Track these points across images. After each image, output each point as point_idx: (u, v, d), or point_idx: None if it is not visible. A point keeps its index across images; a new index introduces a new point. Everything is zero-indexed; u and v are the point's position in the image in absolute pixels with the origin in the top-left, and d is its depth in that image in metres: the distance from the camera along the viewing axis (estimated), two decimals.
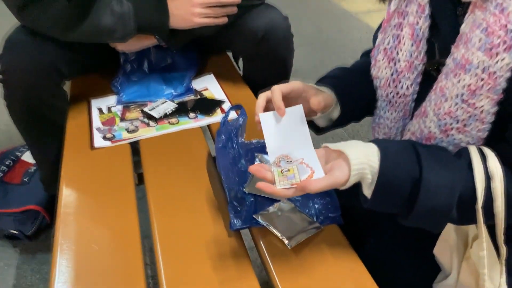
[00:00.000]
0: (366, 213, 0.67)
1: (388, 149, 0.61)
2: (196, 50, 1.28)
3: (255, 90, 1.17)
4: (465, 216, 0.62)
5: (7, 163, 1.49)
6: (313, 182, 0.60)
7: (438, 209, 0.59)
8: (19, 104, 1.08)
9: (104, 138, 1.01)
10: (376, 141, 0.63)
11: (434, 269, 0.76)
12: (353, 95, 0.80)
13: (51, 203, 1.37)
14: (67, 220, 0.81)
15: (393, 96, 0.75)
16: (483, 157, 0.60)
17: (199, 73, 1.24)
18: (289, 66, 1.25)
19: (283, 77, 1.28)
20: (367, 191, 0.61)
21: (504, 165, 0.60)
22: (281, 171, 0.64)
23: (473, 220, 0.61)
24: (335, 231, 0.75)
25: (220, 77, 1.23)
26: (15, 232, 1.33)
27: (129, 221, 0.80)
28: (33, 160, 1.50)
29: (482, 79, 0.58)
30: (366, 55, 0.90)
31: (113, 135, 1.02)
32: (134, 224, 0.79)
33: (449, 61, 0.63)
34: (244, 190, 0.81)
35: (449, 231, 0.68)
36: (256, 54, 1.16)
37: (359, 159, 0.60)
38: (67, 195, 0.87)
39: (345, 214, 0.77)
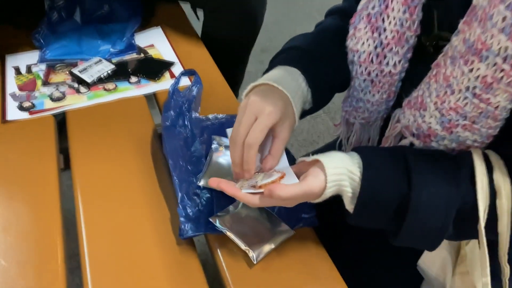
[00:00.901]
0: (344, 211, 0.55)
1: (373, 159, 0.52)
2: None
3: (215, 51, 0.98)
4: (464, 234, 0.53)
5: None
6: (282, 186, 0.50)
7: (429, 230, 0.50)
8: None
9: (21, 107, 0.80)
10: (358, 149, 0.53)
11: (416, 273, 0.66)
12: (327, 74, 0.64)
13: None
14: None
15: (377, 75, 0.61)
16: (488, 167, 0.49)
17: (143, 25, 1.02)
18: (260, 22, 1.08)
19: (251, 35, 1.10)
20: (349, 206, 0.52)
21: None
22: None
23: (473, 236, 0.52)
24: (309, 235, 0.62)
25: (170, 32, 1.02)
26: None
27: (50, 223, 0.63)
28: None
29: (503, 70, 0.45)
30: (331, 15, 0.73)
31: (33, 104, 0.81)
32: (57, 228, 0.62)
33: (457, 41, 0.49)
34: (198, 183, 0.64)
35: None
36: (222, 5, 0.99)
37: (337, 169, 0.51)
38: None
39: (319, 214, 0.64)
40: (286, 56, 0.64)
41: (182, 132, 0.71)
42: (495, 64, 0.45)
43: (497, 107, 0.48)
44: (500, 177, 0.49)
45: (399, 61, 0.59)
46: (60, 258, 0.58)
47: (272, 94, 0.56)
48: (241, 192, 0.52)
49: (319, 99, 0.64)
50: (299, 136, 1.73)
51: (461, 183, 0.50)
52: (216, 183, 0.54)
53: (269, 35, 2.02)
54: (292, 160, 0.60)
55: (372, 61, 0.61)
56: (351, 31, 0.62)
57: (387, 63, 0.60)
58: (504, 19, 0.43)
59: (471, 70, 0.47)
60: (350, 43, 0.63)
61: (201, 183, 0.64)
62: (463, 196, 0.50)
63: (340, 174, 0.50)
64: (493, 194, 0.49)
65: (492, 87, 0.46)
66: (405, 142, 0.60)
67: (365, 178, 0.50)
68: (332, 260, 0.59)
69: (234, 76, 1.19)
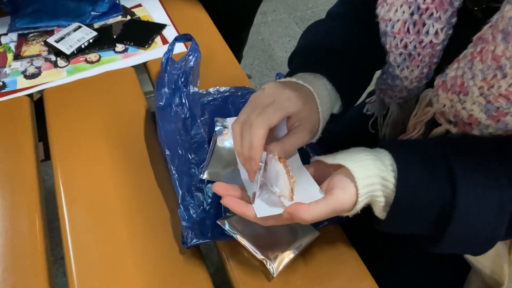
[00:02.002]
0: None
1: (408, 160, 0.43)
2: None
3: (214, 12, 0.84)
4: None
5: None
6: (305, 207, 0.41)
7: (478, 236, 0.43)
8: None
9: None
10: (389, 147, 0.45)
11: (455, 275, 0.59)
12: (358, 72, 0.55)
13: None
14: None
15: (415, 47, 0.50)
16: None
17: None
18: None
19: None
20: (381, 214, 0.45)
21: None
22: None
23: None
24: (336, 235, 0.52)
25: None
26: None
27: (29, 223, 0.53)
28: None
29: None
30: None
31: (3, 83, 0.69)
32: (37, 230, 0.52)
33: (510, 11, 0.37)
34: (200, 176, 0.54)
35: None
36: None
37: (370, 179, 0.42)
38: None
39: None
40: (312, 58, 0.55)
41: (179, 112, 0.60)
42: None
43: None
44: None
45: (442, 29, 0.47)
46: (42, 261, 0.49)
47: (294, 87, 0.47)
48: (254, 215, 0.42)
49: (350, 101, 0.56)
50: None
51: (509, 180, 0.41)
52: (224, 192, 0.43)
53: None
54: (304, 157, 0.49)
55: (408, 30, 0.49)
56: None
57: (427, 32, 0.48)
58: None
59: None
60: (381, 10, 0.51)
61: (205, 176, 0.54)
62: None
63: (373, 184, 0.42)
64: None
65: None
66: (439, 130, 0.49)
67: (401, 185, 0.42)
68: (364, 263, 0.50)
69: (237, 39, 1.05)
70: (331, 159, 0.45)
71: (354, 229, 0.53)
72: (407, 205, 0.43)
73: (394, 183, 0.42)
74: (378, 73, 0.60)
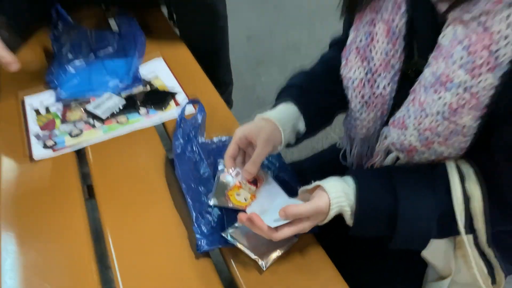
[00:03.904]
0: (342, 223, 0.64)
1: (364, 181, 0.62)
2: (139, 27, 1.15)
3: (194, 48, 1.14)
4: (448, 233, 0.64)
5: None
6: (295, 206, 0.60)
7: (417, 234, 0.61)
8: None
9: (45, 146, 0.89)
10: (352, 173, 0.63)
11: (416, 269, 0.74)
12: (318, 103, 0.75)
13: None
14: (9, 253, 0.71)
15: (370, 97, 0.69)
16: (461, 177, 0.59)
17: (145, 54, 1.12)
18: (221, 13, 1.23)
19: (218, 26, 1.26)
20: (350, 221, 0.62)
21: (485, 178, 0.58)
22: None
23: (457, 233, 0.61)
24: (310, 241, 0.70)
25: (169, 60, 1.11)
26: None
27: (82, 244, 0.72)
28: None
29: (464, 98, 0.53)
30: (332, 46, 0.83)
31: (55, 142, 0.90)
32: (88, 247, 0.71)
33: (428, 73, 0.57)
34: (209, 202, 0.73)
35: None
36: (187, 2, 1.16)
37: (337, 193, 0.60)
38: (6, 221, 0.76)
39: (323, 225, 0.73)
40: (285, 93, 0.77)
41: (191, 157, 0.80)
42: (457, 94, 0.53)
43: (464, 126, 0.56)
44: (471, 184, 0.58)
45: (388, 84, 0.67)
46: (94, 272, 0.67)
47: (258, 120, 0.70)
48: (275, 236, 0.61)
49: (313, 122, 0.75)
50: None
51: (439, 193, 0.59)
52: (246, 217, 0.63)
53: (264, 48, 2.11)
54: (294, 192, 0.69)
55: (364, 85, 0.68)
56: (343, 62, 0.70)
57: (378, 86, 0.67)
58: (461, 58, 0.51)
59: (439, 98, 0.55)
60: (344, 71, 0.71)
61: (212, 202, 0.73)
62: (441, 204, 0.59)
63: (339, 197, 0.60)
64: (467, 199, 0.58)
65: (457, 112, 0.55)
66: (392, 156, 0.68)
67: (359, 198, 0.60)
68: (337, 262, 0.68)
69: (218, 77, 1.32)
70: (311, 185, 0.64)
71: (322, 237, 0.72)
72: (365, 213, 0.61)
73: (354, 198, 0.60)
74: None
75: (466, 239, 0.64)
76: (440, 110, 0.56)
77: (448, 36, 0.53)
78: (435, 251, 0.71)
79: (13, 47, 0.99)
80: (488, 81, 0.50)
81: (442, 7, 0.54)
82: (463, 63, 0.51)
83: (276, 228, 0.61)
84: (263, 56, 2.06)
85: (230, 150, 0.70)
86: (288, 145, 0.74)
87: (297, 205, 0.60)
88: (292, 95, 0.74)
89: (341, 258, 0.69)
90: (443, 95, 0.55)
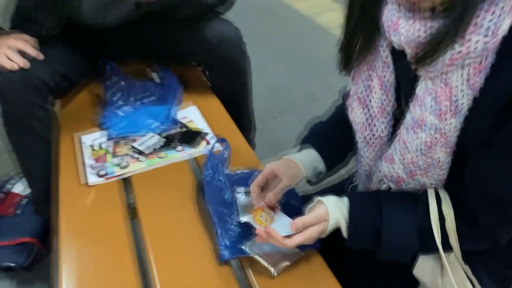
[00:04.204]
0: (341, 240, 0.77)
1: (357, 202, 0.75)
2: (176, 81, 1.37)
3: (222, 98, 1.34)
4: (429, 249, 0.74)
5: None
6: (300, 218, 0.75)
7: (399, 247, 0.72)
8: (10, 115, 1.18)
9: (98, 175, 1.08)
10: (348, 194, 0.77)
11: (413, 285, 0.85)
12: (334, 147, 0.92)
13: (44, 232, 1.44)
14: (68, 258, 0.88)
15: (370, 138, 0.83)
16: (438, 201, 0.71)
17: (181, 102, 1.33)
18: (245, 71, 1.41)
19: (242, 82, 1.44)
20: (345, 234, 0.75)
21: (458, 204, 0.70)
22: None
23: (437, 250, 0.72)
24: (314, 256, 0.84)
25: (201, 106, 1.31)
26: (12, 264, 1.38)
27: (126, 261, 0.87)
28: (24, 192, 1.56)
29: (436, 138, 0.67)
30: (341, 106, 1.00)
31: (106, 172, 1.09)
32: (131, 258, 0.87)
33: (408, 117, 0.72)
34: (240, 219, 0.88)
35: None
36: (213, 60, 1.35)
37: (334, 210, 0.74)
38: (66, 234, 0.94)
39: (325, 242, 0.86)
40: (308, 140, 0.94)
41: (218, 185, 0.97)
42: (430, 134, 0.67)
43: (439, 161, 0.70)
44: (445, 207, 0.71)
45: (385, 127, 0.80)
46: (134, 274, 0.83)
47: (285, 160, 0.87)
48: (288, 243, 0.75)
49: (331, 163, 0.93)
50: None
51: (419, 213, 0.72)
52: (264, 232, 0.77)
53: (284, 98, 2.32)
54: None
55: (365, 128, 0.82)
56: (349, 108, 0.85)
57: (376, 129, 0.81)
58: (431, 106, 0.66)
59: (417, 137, 0.70)
60: (350, 116, 0.85)
61: (243, 219, 0.86)
62: (421, 222, 0.71)
63: (336, 213, 0.74)
64: (442, 219, 0.71)
65: (432, 148, 0.68)
66: (385, 186, 0.83)
67: (351, 216, 0.74)
68: (337, 274, 0.81)
69: (242, 123, 1.49)
70: (314, 202, 0.78)
71: (324, 252, 0.85)
72: (356, 227, 0.73)
73: (348, 215, 0.74)
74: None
75: (444, 255, 0.75)
76: (418, 147, 0.70)
77: (422, 88, 0.68)
78: (424, 269, 0.82)
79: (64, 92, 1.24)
80: (453, 124, 0.64)
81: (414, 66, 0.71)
82: (433, 110, 0.65)
83: (289, 237, 0.75)
84: (284, 104, 2.26)
85: (259, 180, 0.86)
86: (309, 181, 0.91)
87: (302, 217, 0.74)
88: (313, 142, 0.92)
89: (340, 270, 0.82)
90: (420, 135, 0.69)
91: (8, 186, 1.58)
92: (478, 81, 0.58)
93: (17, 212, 1.49)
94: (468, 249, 0.74)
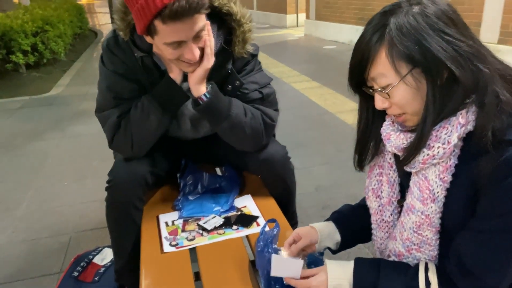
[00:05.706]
0: None
1: (361, 267, 0.94)
2: (237, 176, 1.68)
3: (271, 193, 1.60)
4: None
5: (82, 264, 1.84)
6: (308, 270, 0.98)
7: None
8: (115, 203, 1.48)
9: (171, 245, 1.36)
10: (356, 260, 0.97)
11: None
12: (352, 225, 1.15)
13: None
14: None
15: (380, 222, 1.06)
16: (427, 269, 0.89)
17: (240, 192, 1.62)
18: (290, 182, 1.66)
19: (287, 191, 1.69)
20: None
21: (442, 272, 0.88)
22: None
23: None
24: None
25: (255, 197, 1.60)
26: None
27: None
28: (102, 262, 1.85)
29: (422, 219, 0.89)
30: None
31: (177, 243, 1.36)
32: None
33: (405, 204, 0.95)
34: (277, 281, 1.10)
35: None
36: (263, 172, 1.64)
37: (337, 273, 0.94)
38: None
39: None
40: (332, 216, 1.18)
41: (267, 255, 1.21)
42: (418, 216, 0.89)
43: (428, 238, 0.90)
44: (431, 275, 0.89)
45: (391, 214, 1.04)
46: None
47: (309, 226, 1.11)
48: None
49: (347, 236, 1.14)
50: None
51: (409, 276, 0.89)
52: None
53: (329, 195, 2.56)
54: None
55: (377, 213, 1.06)
56: (366, 196, 1.11)
57: (386, 215, 1.05)
58: (417, 194, 0.89)
59: (410, 219, 0.92)
60: (367, 202, 1.10)
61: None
62: (410, 284, 0.88)
63: (339, 278, 0.94)
64: (428, 283, 0.88)
65: (421, 228, 0.90)
66: (390, 259, 1.03)
67: (355, 277, 0.93)
68: None
69: (287, 219, 1.71)
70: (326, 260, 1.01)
71: None
72: (359, 284, 0.92)
73: (351, 276, 0.94)
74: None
75: None
76: (411, 226, 0.92)
77: (412, 181, 0.92)
78: None
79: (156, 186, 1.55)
80: (433, 208, 0.86)
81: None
82: (418, 197, 0.89)
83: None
84: (328, 201, 2.50)
85: (289, 239, 1.11)
86: (330, 249, 1.13)
87: (311, 270, 0.98)
88: (333, 217, 1.16)
89: None
90: (411, 217, 0.91)
91: (90, 256, 1.88)
92: (447, 175, 0.83)
93: (95, 279, 1.76)
94: None
